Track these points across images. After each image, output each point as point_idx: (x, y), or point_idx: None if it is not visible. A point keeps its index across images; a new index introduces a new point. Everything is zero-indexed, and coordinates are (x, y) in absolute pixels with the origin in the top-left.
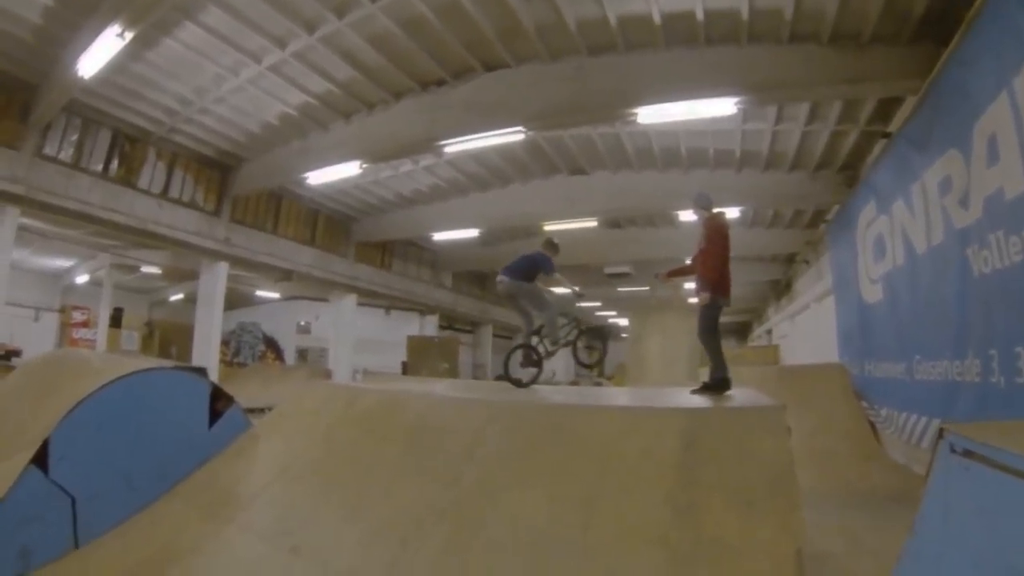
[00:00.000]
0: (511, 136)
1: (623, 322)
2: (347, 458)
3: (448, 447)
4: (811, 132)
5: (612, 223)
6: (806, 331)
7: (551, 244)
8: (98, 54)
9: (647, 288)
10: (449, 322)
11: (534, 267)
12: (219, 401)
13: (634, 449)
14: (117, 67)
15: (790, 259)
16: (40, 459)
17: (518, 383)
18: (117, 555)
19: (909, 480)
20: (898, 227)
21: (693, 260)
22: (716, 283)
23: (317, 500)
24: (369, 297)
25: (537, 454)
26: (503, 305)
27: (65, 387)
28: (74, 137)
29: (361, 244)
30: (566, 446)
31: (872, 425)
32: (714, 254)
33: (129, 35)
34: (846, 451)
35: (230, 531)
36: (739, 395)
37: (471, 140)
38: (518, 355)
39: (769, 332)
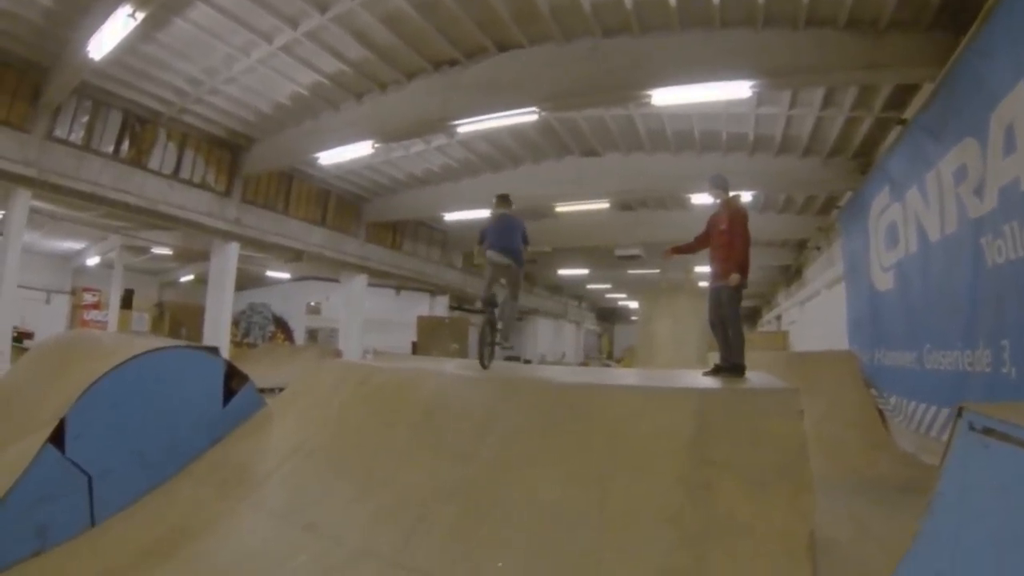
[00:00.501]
0: (524, 117)
1: (633, 304)
2: (360, 436)
3: (462, 425)
4: (825, 118)
5: (624, 205)
6: (816, 318)
7: (509, 201)
8: (108, 35)
9: (658, 271)
10: (459, 302)
11: (523, 242)
12: (233, 379)
13: (648, 429)
14: (127, 48)
15: (801, 245)
16: (57, 438)
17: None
18: (133, 532)
19: (917, 469)
20: (912, 215)
21: (698, 240)
22: (745, 266)
23: (331, 478)
24: (379, 277)
25: (551, 433)
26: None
27: (79, 367)
28: (85, 119)
29: (372, 224)
30: (580, 425)
31: (881, 413)
32: (743, 238)
33: (140, 16)
34: (854, 439)
35: (244, 509)
36: (752, 378)
37: (483, 120)
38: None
39: (778, 318)
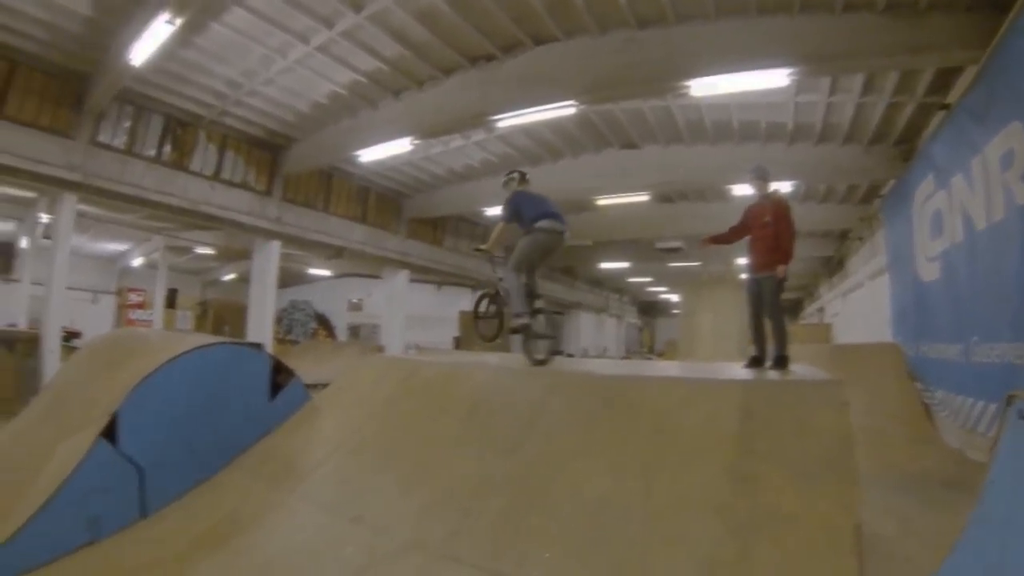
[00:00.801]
0: (562, 110)
1: (674, 298)
2: (406, 429)
3: (508, 418)
4: (866, 104)
5: (663, 197)
6: (859, 309)
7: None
8: (148, 42)
9: (699, 263)
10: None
11: None
12: (280, 374)
13: (693, 420)
14: (167, 54)
15: (843, 235)
16: (109, 432)
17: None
18: (183, 524)
19: (963, 466)
20: (957, 203)
21: (734, 230)
22: (791, 258)
23: (378, 471)
24: (421, 273)
25: (596, 425)
26: (556, 280)
27: (129, 364)
28: (127, 124)
29: (413, 220)
30: (626, 417)
31: (927, 407)
32: (790, 231)
33: (178, 21)
34: (899, 433)
35: (292, 501)
36: (797, 370)
37: (521, 115)
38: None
39: (821, 310)
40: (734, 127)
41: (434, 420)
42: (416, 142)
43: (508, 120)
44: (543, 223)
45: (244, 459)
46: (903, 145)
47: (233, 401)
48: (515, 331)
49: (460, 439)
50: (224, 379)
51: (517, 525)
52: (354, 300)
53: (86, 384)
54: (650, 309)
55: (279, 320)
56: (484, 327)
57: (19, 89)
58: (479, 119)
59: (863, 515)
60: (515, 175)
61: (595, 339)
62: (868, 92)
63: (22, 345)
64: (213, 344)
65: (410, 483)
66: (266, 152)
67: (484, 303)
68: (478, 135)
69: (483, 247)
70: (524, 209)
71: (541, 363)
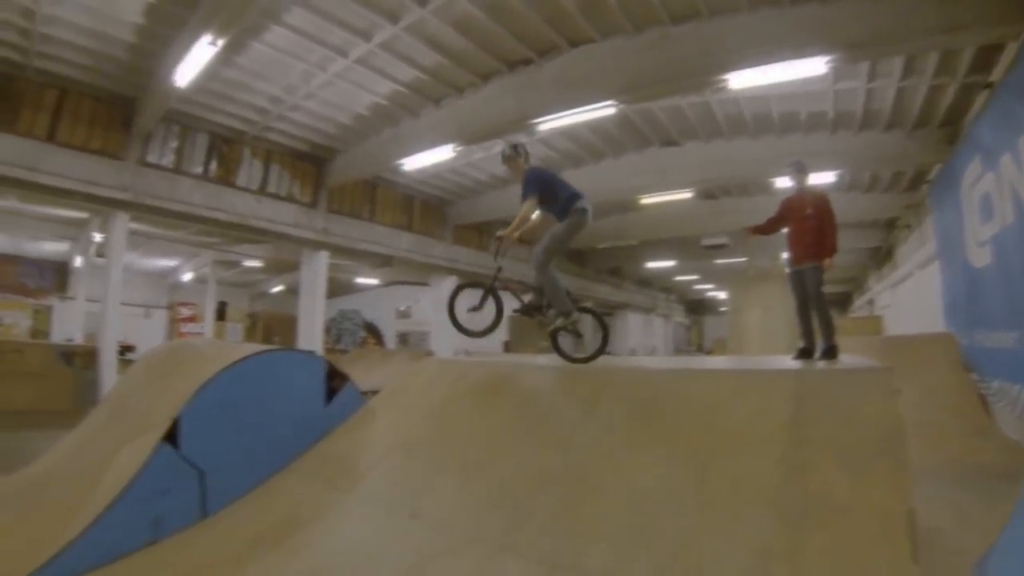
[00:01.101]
0: (601, 111)
1: (721, 295)
2: (460, 428)
3: (560, 414)
4: (907, 88)
5: (707, 194)
6: (910, 300)
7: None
8: (192, 64)
9: (745, 259)
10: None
11: None
12: (334, 379)
13: (745, 410)
14: (210, 74)
15: (890, 225)
16: (170, 436)
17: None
18: (243, 523)
19: (1022, 456)
20: (1006, 184)
21: (771, 221)
22: (835, 251)
23: (433, 469)
24: (468, 279)
25: (650, 418)
26: (604, 281)
27: (187, 372)
28: (174, 143)
29: (458, 227)
30: (678, 409)
31: (983, 398)
32: (833, 223)
33: (220, 42)
34: (954, 425)
35: (350, 500)
36: (846, 360)
37: (561, 117)
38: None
39: (871, 302)
40: (774, 119)
41: (487, 419)
42: (458, 148)
43: (548, 123)
44: (582, 203)
45: (300, 462)
46: (948, 128)
47: (289, 406)
48: (558, 331)
49: (514, 436)
50: (279, 385)
51: (573, 517)
52: (402, 308)
53: (144, 393)
54: (698, 307)
55: (328, 330)
56: (477, 322)
57: (70, 115)
58: (519, 123)
59: (920, 510)
60: (521, 147)
61: (643, 339)
62: (908, 75)
63: (80, 359)
64: (268, 351)
65: (466, 480)
66: (310, 164)
67: (483, 298)
68: (519, 139)
69: (506, 233)
70: (557, 188)
71: (582, 361)
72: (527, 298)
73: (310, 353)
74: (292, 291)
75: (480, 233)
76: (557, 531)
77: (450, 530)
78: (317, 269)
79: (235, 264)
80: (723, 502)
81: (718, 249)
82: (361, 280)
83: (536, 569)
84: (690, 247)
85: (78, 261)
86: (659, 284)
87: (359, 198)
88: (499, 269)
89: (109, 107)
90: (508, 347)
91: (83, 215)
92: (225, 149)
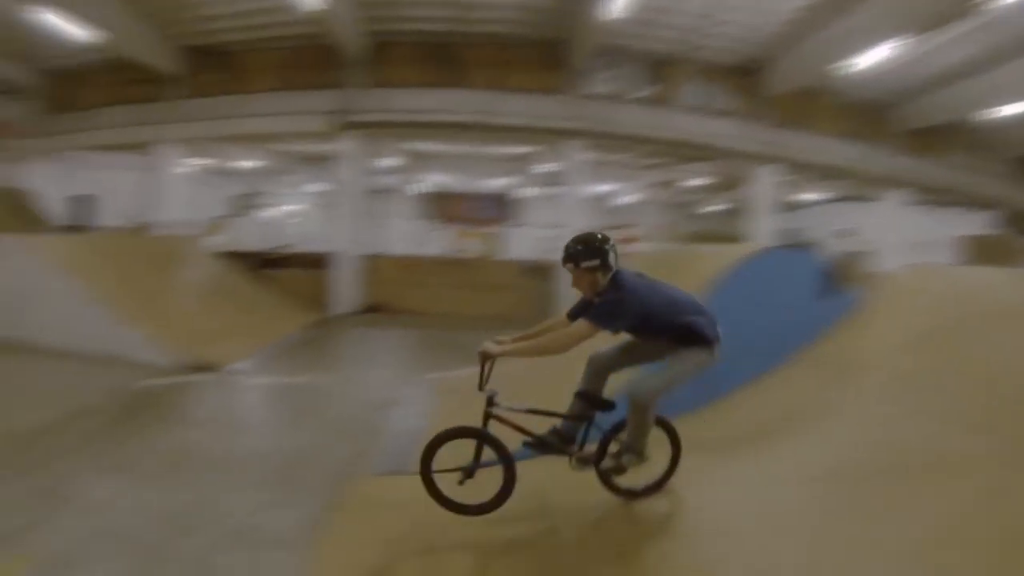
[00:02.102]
0: None
1: None
2: (960, 333)
3: None
4: None
5: None
6: None
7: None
8: None
9: None
10: (1011, 219)
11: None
12: (832, 277)
13: None
14: (634, 4)
15: None
16: None
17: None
18: (750, 410)
19: None
20: None
21: None
22: None
23: (942, 370)
24: (914, 192)
25: None
26: None
27: (687, 271)
28: (611, 73)
29: (903, 133)
30: None
31: None
32: None
33: None
34: None
35: (851, 396)
36: None
37: None
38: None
39: None
40: None
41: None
42: (903, 41)
43: None
44: (717, 330)
45: (801, 356)
46: None
47: (786, 303)
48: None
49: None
50: (779, 279)
51: None
52: (843, 226)
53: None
54: None
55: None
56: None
57: (514, 65)
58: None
59: None
60: (610, 243)
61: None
62: None
63: (540, 273)
64: (769, 248)
65: (975, 381)
66: (745, 77)
67: (475, 456)
68: (967, 25)
69: (505, 351)
70: (664, 309)
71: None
72: (551, 428)
73: (805, 248)
74: (730, 211)
75: (929, 139)
76: None
77: (961, 421)
78: (762, 184)
79: (671, 184)
80: None
81: None
82: (801, 196)
83: None
84: None
85: (523, 192)
86: None
87: (799, 108)
88: (491, 400)
89: (543, 52)
90: None
91: (527, 149)
92: (660, 71)
